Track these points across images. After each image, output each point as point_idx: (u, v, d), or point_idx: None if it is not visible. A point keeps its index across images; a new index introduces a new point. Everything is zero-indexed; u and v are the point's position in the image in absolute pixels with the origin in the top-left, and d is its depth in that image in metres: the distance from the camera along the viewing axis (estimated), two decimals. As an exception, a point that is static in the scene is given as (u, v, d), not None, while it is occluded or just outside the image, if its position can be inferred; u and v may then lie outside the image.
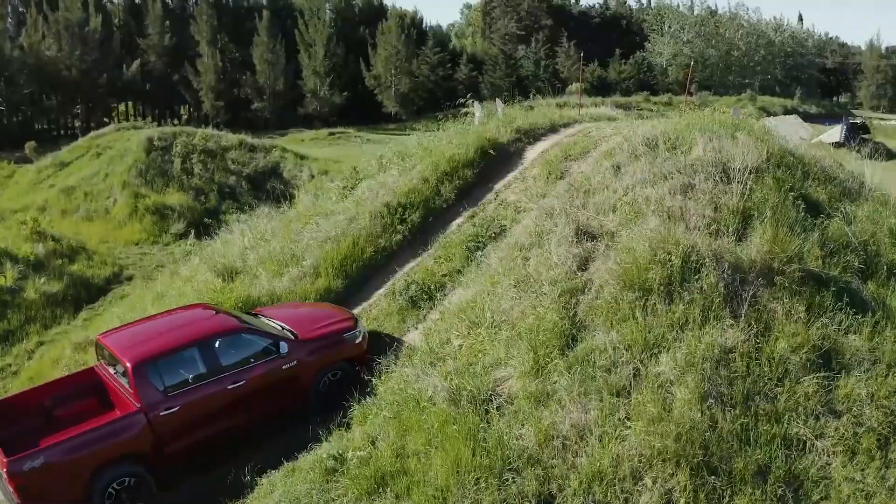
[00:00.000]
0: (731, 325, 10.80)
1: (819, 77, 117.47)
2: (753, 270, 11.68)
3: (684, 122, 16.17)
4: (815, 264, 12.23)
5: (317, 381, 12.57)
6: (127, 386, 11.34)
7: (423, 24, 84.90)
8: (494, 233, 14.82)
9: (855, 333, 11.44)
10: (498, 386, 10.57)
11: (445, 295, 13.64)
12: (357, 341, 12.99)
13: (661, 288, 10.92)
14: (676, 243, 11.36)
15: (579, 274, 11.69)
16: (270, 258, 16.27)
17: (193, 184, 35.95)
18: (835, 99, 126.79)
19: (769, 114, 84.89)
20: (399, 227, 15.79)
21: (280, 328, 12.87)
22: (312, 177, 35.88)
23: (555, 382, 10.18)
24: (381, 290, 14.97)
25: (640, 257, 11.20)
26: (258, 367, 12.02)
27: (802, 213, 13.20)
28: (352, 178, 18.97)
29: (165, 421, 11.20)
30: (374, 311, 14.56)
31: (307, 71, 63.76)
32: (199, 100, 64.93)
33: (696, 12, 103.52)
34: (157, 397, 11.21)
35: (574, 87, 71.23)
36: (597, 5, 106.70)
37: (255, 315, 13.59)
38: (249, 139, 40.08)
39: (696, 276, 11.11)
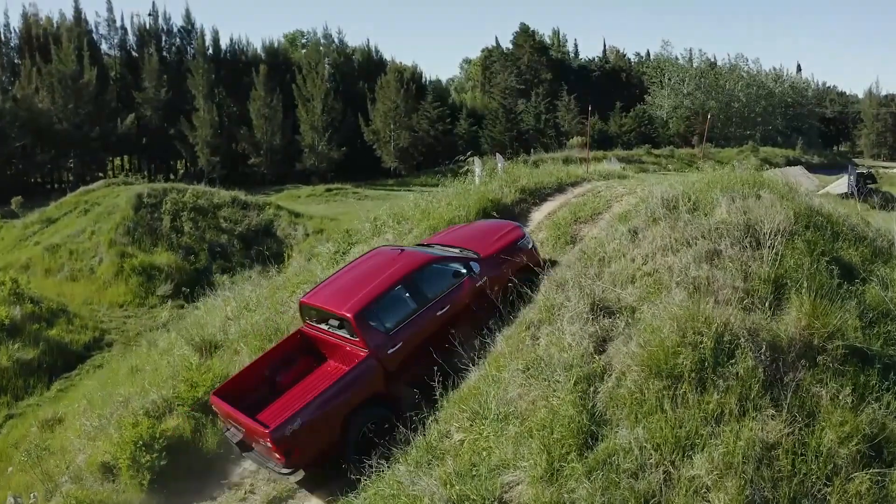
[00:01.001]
0: (773, 415, 9.36)
1: (819, 127, 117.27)
2: (793, 349, 10.30)
3: (704, 180, 14.89)
4: (857, 338, 10.82)
5: (503, 292, 12.80)
6: (350, 336, 12.08)
7: (423, 79, 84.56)
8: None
9: (908, 419, 10.13)
10: (506, 493, 9.06)
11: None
12: (530, 247, 13.93)
13: (693, 374, 9.48)
14: (707, 321, 9.98)
15: (597, 357, 10.26)
16: (253, 332, 14.90)
17: (183, 242, 34.73)
18: (835, 148, 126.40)
19: (772, 165, 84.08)
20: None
21: (460, 251, 13.69)
22: (307, 235, 34.69)
23: (573, 490, 8.68)
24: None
25: (667, 338, 9.79)
26: (456, 289, 12.71)
27: (837, 280, 11.93)
28: (344, 242, 17.66)
29: (392, 359, 11.96)
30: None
31: (305, 126, 62.90)
32: (194, 154, 63.94)
33: (695, 64, 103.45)
34: (382, 339, 11.95)
35: (575, 140, 70.50)
36: (596, 59, 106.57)
37: (428, 246, 14.36)
38: (242, 196, 38.96)
39: (731, 360, 9.72)
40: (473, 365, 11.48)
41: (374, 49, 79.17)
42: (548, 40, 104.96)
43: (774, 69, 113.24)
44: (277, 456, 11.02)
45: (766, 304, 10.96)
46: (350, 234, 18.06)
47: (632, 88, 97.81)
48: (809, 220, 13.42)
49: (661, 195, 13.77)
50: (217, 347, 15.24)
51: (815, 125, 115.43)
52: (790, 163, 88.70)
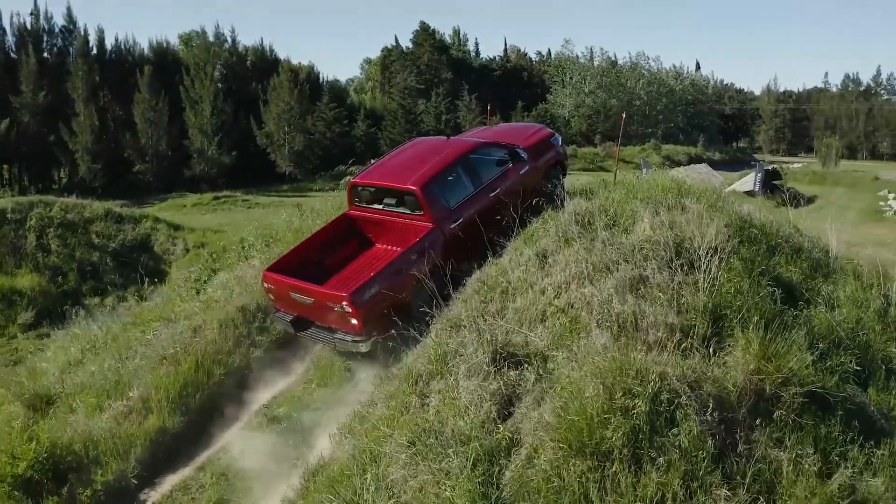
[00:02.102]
0: (727, 495, 7.35)
1: (719, 123, 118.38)
2: (744, 403, 8.37)
3: (621, 188, 12.92)
4: (813, 379, 8.89)
5: (544, 182, 13.29)
6: (413, 211, 12.03)
7: (320, 79, 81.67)
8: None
9: (875, 475, 8.39)
10: None
11: (314, 445, 9.79)
12: (560, 144, 14.64)
13: (625, 450, 7.31)
14: (639, 375, 7.85)
15: (501, 426, 8.04)
16: (92, 385, 12.19)
17: (50, 262, 31.29)
18: (735, 144, 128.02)
19: (674, 162, 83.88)
20: (259, 338, 12.01)
21: None
22: (187, 251, 31.65)
23: None
24: (232, 430, 11.10)
25: (590, 403, 7.56)
26: (506, 174, 12.91)
27: (780, 304, 10.14)
28: (206, 269, 15.01)
29: (454, 234, 11.89)
30: (223, 461, 10.64)
31: (193, 129, 59.01)
32: (75, 162, 59.59)
33: (596, 63, 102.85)
34: (446, 213, 11.98)
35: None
36: (497, 58, 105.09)
37: None
38: (117, 208, 35.56)
39: (672, 427, 7.62)
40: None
41: (268, 48, 75.72)
42: (448, 39, 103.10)
43: (675, 67, 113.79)
44: (354, 322, 10.69)
45: (707, 344, 8.99)
46: (214, 259, 15.45)
47: (533, 87, 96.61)
48: (742, 233, 11.71)
49: (573, 209, 11.69)
50: (53, 401, 12.53)
51: (715, 122, 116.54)
52: (692, 160, 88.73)
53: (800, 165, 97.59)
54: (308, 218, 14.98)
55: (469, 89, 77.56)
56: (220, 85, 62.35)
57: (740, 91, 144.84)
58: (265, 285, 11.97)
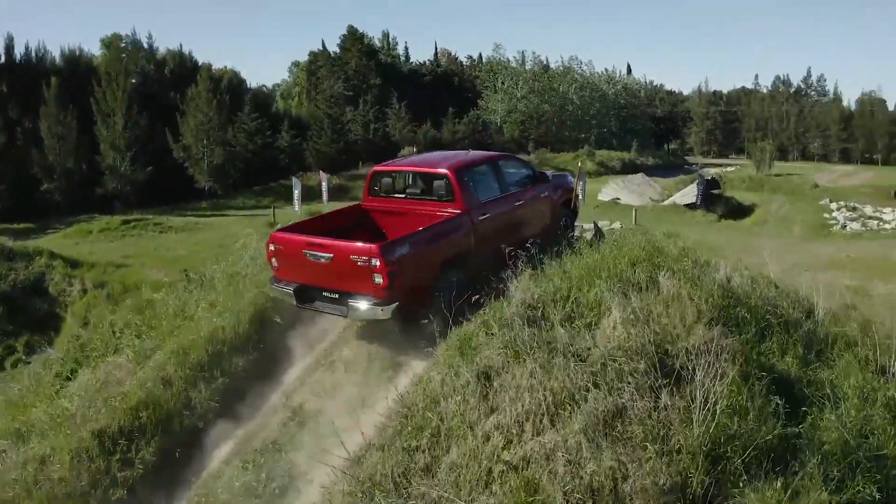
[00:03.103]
0: None
1: (651, 126, 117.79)
2: None
3: (582, 263, 10.50)
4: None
5: (559, 217, 13.87)
6: (442, 199, 11.76)
7: (243, 86, 78.29)
8: (278, 488, 8.51)
9: None
10: None
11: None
12: (572, 184, 14.77)
13: None
14: None
15: None
16: None
17: (-75, 308, 27.77)
18: (666, 146, 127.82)
19: (607, 168, 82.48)
20: (122, 473, 9.24)
21: None
22: (84, 292, 28.24)
23: None
24: None
25: None
26: (531, 190, 13.01)
27: (784, 422, 8.09)
28: (68, 361, 12.14)
29: (480, 226, 11.63)
30: None
31: (104, 144, 54.92)
32: (-27, 183, 55.30)
33: (528, 67, 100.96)
34: (475, 203, 11.77)
35: (406, 150, 66.03)
36: (427, 62, 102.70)
37: None
38: (9, 243, 31.82)
39: None
40: None
41: (188, 54, 72.22)
42: (377, 43, 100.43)
43: (607, 70, 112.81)
44: (380, 279, 9.87)
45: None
46: (83, 349, 12.59)
47: (465, 93, 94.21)
48: (728, 314, 9.51)
49: (521, 298, 9.21)
50: None
51: (647, 125, 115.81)
52: (626, 166, 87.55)
53: (733, 168, 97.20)
54: (197, 291, 12.09)
55: (399, 96, 74.79)
56: (133, 95, 58.44)
57: (671, 93, 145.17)
58: (270, 248, 11.11)
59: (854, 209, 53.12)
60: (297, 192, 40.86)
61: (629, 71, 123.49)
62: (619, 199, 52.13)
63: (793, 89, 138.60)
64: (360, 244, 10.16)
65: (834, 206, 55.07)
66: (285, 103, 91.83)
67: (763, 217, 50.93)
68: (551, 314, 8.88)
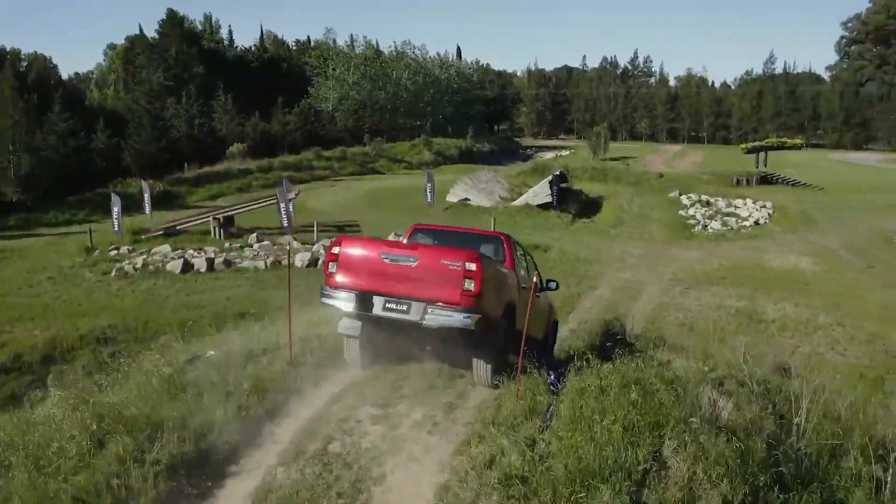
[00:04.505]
0: None
1: (482, 109, 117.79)
2: None
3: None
4: None
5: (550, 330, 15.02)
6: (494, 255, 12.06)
7: (54, 75, 72.51)
8: None
9: None
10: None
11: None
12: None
13: None
14: None
15: None
16: None
17: None
18: (496, 128, 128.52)
19: (445, 157, 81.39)
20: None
21: None
22: None
23: None
24: None
25: None
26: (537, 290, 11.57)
27: None
28: None
29: (522, 292, 11.78)
30: None
31: None
32: None
33: (359, 51, 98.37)
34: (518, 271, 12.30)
35: (236, 148, 62.65)
36: (253, 48, 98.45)
37: None
38: None
39: None
40: None
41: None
42: (200, 27, 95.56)
43: (439, 55, 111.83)
44: (471, 285, 9.56)
45: None
46: None
47: (295, 80, 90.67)
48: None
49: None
50: None
51: (481, 110, 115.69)
52: (463, 153, 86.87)
53: (567, 153, 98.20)
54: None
55: (224, 86, 70.67)
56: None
57: (500, 74, 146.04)
58: (337, 251, 10.39)
59: (708, 204, 53.78)
60: (116, 210, 37.31)
61: (459, 54, 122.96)
62: (468, 199, 50.65)
63: (620, 70, 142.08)
64: (451, 250, 10.22)
65: (685, 199, 55.65)
66: (100, 94, 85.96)
67: (617, 215, 50.62)
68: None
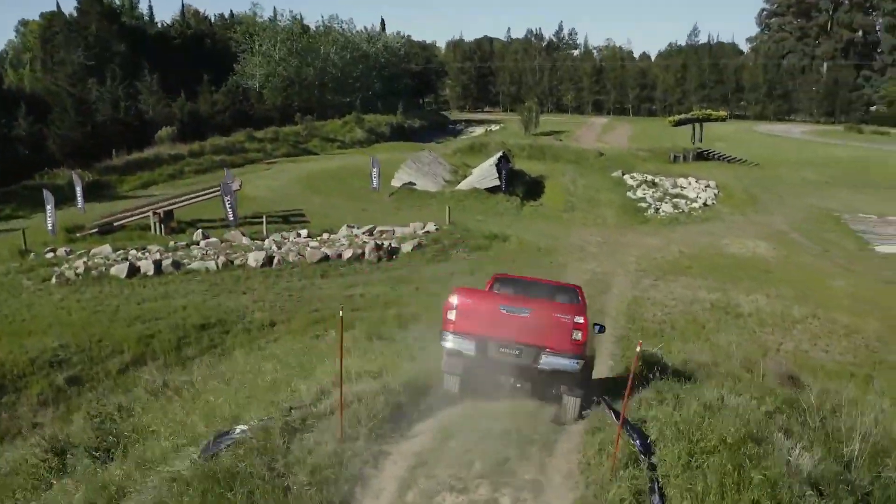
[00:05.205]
0: None
1: (410, 83, 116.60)
2: None
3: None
4: None
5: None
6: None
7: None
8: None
9: None
10: None
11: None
12: None
13: None
14: None
15: None
16: None
17: None
18: (422, 101, 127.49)
19: (377, 135, 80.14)
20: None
21: None
22: None
23: None
24: None
25: None
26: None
27: None
28: None
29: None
30: None
31: None
32: None
33: (283, 25, 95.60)
34: None
35: (164, 131, 60.36)
36: (175, 23, 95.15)
37: None
38: None
39: None
40: None
41: None
42: (118, 1, 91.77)
43: (366, 29, 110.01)
44: (579, 336, 11.26)
45: None
46: None
47: (219, 57, 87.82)
48: None
49: None
50: None
51: (409, 84, 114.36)
52: (394, 130, 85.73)
53: (497, 127, 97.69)
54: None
55: (150, 67, 67.91)
56: None
57: (424, 47, 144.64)
58: (456, 301, 11.77)
59: (654, 185, 53.71)
60: (49, 208, 35.42)
61: (383, 26, 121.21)
62: (413, 183, 49.46)
63: (545, 43, 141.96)
64: (563, 303, 12.30)
65: (629, 179, 55.55)
66: (16, 75, 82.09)
67: (567, 199, 50.06)
68: None
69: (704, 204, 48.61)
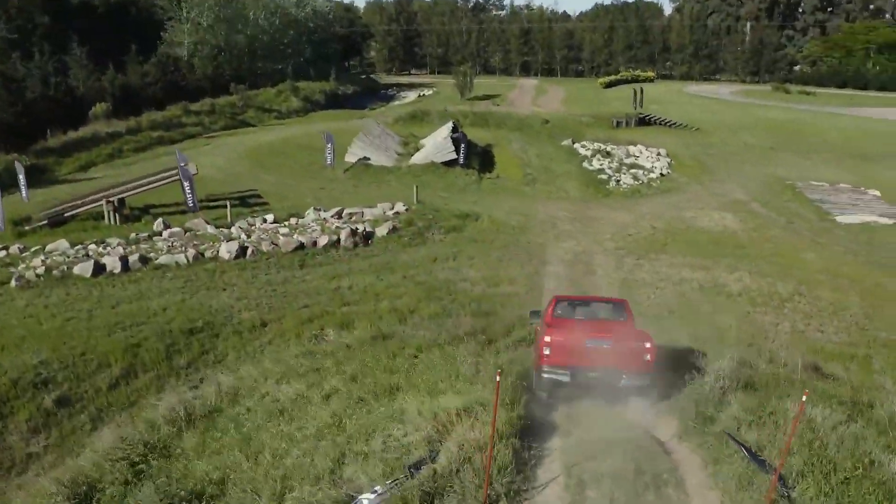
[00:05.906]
0: None
1: (338, 48, 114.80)
2: None
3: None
4: None
5: None
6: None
7: None
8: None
9: None
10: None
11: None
12: None
13: None
14: None
15: None
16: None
17: None
18: (347, 64, 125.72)
19: (313, 104, 78.75)
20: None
21: None
22: None
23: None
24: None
25: None
26: None
27: None
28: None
29: None
30: None
31: None
32: None
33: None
34: None
35: (99, 108, 58.10)
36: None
37: None
38: None
39: None
40: None
41: None
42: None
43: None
44: (649, 358, 13.65)
45: None
46: None
47: (146, 26, 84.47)
48: None
49: None
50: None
51: (337, 49, 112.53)
52: (328, 97, 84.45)
53: (430, 92, 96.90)
54: None
55: (79, 39, 65.09)
56: None
57: (347, 8, 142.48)
58: (552, 340, 14.01)
59: (608, 154, 53.67)
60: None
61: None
62: (368, 158, 48.20)
63: (472, 4, 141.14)
64: (637, 331, 14.66)
65: (581, 149, 55.32)
66: (-68, 50, 78.01)
67: (526, 172, 49.61)
68: None
69: (661, 174, 48.95)
